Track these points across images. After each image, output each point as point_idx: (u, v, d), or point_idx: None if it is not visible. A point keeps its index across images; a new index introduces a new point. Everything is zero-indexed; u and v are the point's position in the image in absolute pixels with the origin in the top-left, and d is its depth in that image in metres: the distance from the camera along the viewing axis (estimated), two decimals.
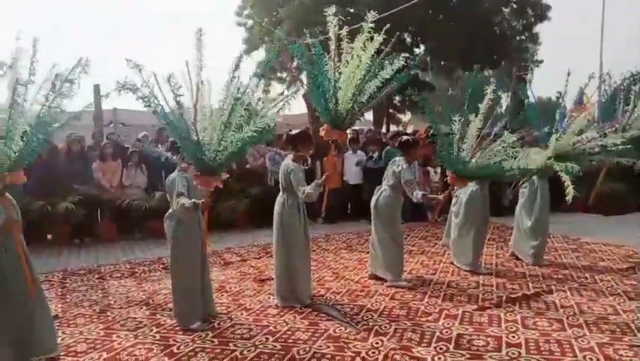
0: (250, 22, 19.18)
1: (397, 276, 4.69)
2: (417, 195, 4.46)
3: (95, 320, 3.89)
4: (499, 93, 5.95)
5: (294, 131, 4.38)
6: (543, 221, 5.38)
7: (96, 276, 5.25)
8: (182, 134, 3.30)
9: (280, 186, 4.22)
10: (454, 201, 5.49)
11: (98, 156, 7.48)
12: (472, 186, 5.16)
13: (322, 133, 4.08)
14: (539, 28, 19.39)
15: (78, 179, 7.18)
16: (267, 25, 17.87)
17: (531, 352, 3.13)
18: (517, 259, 5.50)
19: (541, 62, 21.79)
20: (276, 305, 4.13)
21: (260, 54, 19.26)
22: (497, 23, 18.47)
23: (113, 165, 7.49)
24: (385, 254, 4.74)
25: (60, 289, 4.77)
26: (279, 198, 4.21)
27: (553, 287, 4.48)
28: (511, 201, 6.24)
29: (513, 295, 4.26)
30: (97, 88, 9.10)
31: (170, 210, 3.74)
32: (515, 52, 18.82)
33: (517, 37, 19.12)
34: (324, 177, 4.06)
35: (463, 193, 5.25)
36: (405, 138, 4.87)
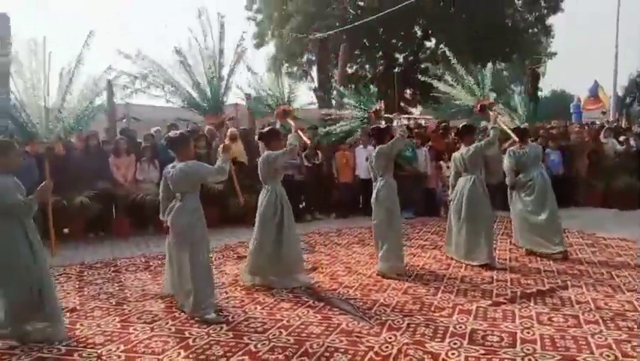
0: (260, 16, 19.16)
1: (398, 262, 4.82)
2: (400, 133, 4.84)
3: (111, 313, 3.95)
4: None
5: (265, 129, 4.84)
6: (556, 210, 5.48)
7: (112, 269, 5.33)
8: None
9: (261, 179, 4.60)
10: (454, 201, 5.37)
11: (112, 151, 7.56)
12: (468, 181, 5.15)
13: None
14: (553, 20, 19.12)
15: (97, 174, 7.26)
16: (276, 19, 17.85)
17: (546, 348, 3.11)
18: (533, 254, 5.46)
19: (554, 54, 21.40)
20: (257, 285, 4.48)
21: (270, 49, 19.28)
22: (509, 15, 18.24)
23: (126, 160, 7.56)
24: (386, 244, 4.83)
25: (78, 282, 4.85)
26: (262, 191, 4.62)
27: (568, 283, 4.45)
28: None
29: (527, 291, 4.24)
30: (109, 83, 9.14)
31: (179, 205, 3.83)
32: (528, 44, 18.59)
33: (530, 30, 18.88)
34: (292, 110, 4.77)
35: (462, 189, 5.21)
36: (377, 126, 5.08)
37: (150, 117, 11.94)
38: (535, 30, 18.94)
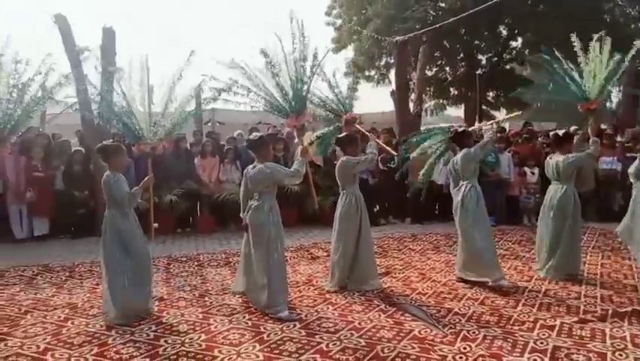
0: (339, 21, 19.38)
1: (499, 273, 4.65)
2: (490, 135, 4.73)
3: (194, 304, 4.22)
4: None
5: (342, 135, 4.86)
6: None
7: (195, 263, 5.70)
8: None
9: (339, 184, 4.68)
10: (542, 210, 5.03)
11: (199, 153, 8.08)
12: (559, 191, 4.84)
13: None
14: None
15: (184, 174, 7.80)
16: (355, 24, 17.96)
17: None
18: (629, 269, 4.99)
19: None
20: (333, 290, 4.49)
21: (348, 53, 19.45)
22: (607, 11, 16.75)
23: (212, 161, 8.04)
24: (478, 253, 4.63)
25: (165, 274, 5.25)
26: (340, 196, 4.66)
27: None
28: (622, 206, 5.70)
29: (621, 310, 3.89)
30: (199, 88, 9.77)
31: (257, 204, 4.03)
32: (629, 42, 16.92)
33: (632, 26, 17.17)
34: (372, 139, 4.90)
35: (552, 198, 4.88)
36: (456, 130, 4.95)
37: (233, 121, 12.62)
38: (639, 26, 17.22)
